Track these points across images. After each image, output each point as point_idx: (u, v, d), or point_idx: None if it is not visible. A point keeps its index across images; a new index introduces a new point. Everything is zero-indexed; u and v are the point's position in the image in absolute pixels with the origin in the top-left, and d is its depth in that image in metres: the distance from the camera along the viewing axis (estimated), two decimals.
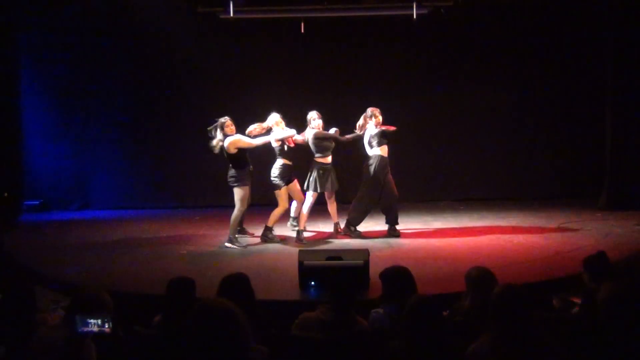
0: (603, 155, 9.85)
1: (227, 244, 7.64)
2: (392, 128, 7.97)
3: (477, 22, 10.27)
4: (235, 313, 2.69)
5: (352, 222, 8.06)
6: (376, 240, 7.90)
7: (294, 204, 8.22)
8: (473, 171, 10.71)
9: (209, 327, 2.64)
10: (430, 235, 8.16)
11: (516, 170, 10.72)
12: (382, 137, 7.91)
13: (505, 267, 6.30)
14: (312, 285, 5.87)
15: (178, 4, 9.86)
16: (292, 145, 7.85)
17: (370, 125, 7.97)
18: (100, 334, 3.29)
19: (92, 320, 3.28)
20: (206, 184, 10.41)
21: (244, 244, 7.71)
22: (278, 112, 7.94)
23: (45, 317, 4.07)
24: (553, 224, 8.71)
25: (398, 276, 4.15)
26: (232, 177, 7.65)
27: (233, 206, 7.66)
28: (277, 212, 7.82)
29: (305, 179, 7.96)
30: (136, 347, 3.71)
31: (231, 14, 8.95)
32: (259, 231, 8.09)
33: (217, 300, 2.86)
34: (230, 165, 7.66)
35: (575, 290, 4.82)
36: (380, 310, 4.14)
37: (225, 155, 7.64)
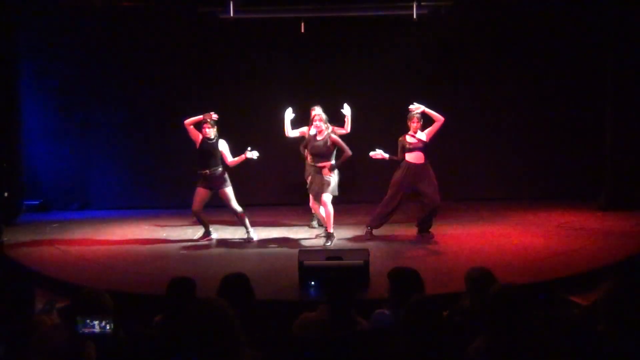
0: (603, 155, 9.85)
1: (253, 238, 8.01)
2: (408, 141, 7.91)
3: (478, 22, 10.27)
4: (226, 313, 2.69)
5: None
6: (376, 240, 7.90)
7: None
8: (473, 171, 10.70)
9: (200, 326, 2.65)
10: None
11: (516, 170, 10.72)
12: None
13: (505, 267, 6.30)
14: (312, 285, 5.87)
15: (178, 4, 9.85)
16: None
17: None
18: (101, 335, 3.29)
19: (93, 322, 3.28)
20: None
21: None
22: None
23: (42, 318, 4.07)
24: (553, 224, 8.71)
25: (407, 278, 4.13)
26: (222, 177, 7.85)
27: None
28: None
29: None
30: (136, 347, 3.71)
31: (231, 14, 8.94)
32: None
33: (210, 300, 2.87)
34: (219, 162, 7.84)
35: (576, 290, 4.84)
36: (386, 311, 4.13)
37: (214, 150, 7.83)
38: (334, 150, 7.79)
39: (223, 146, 7.86)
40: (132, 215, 10.02)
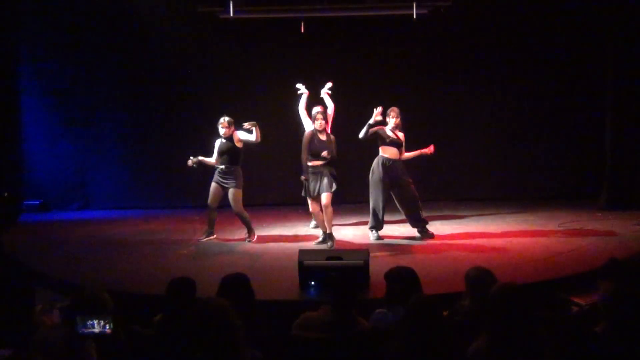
0: (603, 155, 9.85)
1: (249, 240, 7.97)
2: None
3: (478, 22, 10.27)
4: (229, 313, 2.70)
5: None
6: (375, 240, 7.89)
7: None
8: (473, 171, 10.71)
9: (202, 326, 2.65)
10: None
11: (516, 170, 10.72)
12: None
13: (505, 267, 6.30)
14: (312, 285, 5.86)
15: (178, 4, 9.85)
16: None
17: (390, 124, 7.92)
18: (101, 335, 3.29)
19: (93, 321, 3.28)
20: (206, 184, 10.37)
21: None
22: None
23: (42, 318, 4.07)
24: (553, 224, 8.71)
25: (403, 277, 4.14)
26: (234, 176, 7.82)
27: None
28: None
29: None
30: (136, 347, 3.71)
31: (231, 14, 8.93)
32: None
33: (213, 299, 2.87)
34: (232, 161, 7.81)
35: (576, 290, 4.83)
36: (386, 311, 4.13)
37: (228, 148, 7.81)
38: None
39: (242, 135, 7.88)
40: (132, 215, 10.02)
